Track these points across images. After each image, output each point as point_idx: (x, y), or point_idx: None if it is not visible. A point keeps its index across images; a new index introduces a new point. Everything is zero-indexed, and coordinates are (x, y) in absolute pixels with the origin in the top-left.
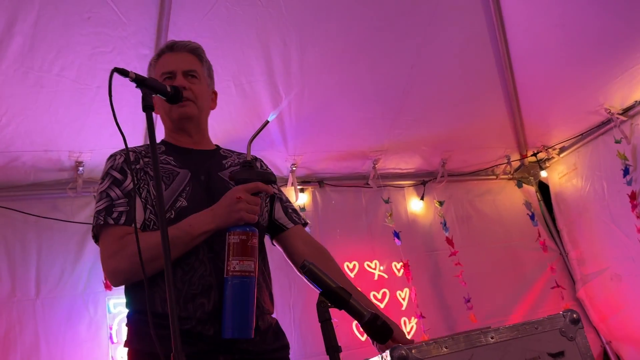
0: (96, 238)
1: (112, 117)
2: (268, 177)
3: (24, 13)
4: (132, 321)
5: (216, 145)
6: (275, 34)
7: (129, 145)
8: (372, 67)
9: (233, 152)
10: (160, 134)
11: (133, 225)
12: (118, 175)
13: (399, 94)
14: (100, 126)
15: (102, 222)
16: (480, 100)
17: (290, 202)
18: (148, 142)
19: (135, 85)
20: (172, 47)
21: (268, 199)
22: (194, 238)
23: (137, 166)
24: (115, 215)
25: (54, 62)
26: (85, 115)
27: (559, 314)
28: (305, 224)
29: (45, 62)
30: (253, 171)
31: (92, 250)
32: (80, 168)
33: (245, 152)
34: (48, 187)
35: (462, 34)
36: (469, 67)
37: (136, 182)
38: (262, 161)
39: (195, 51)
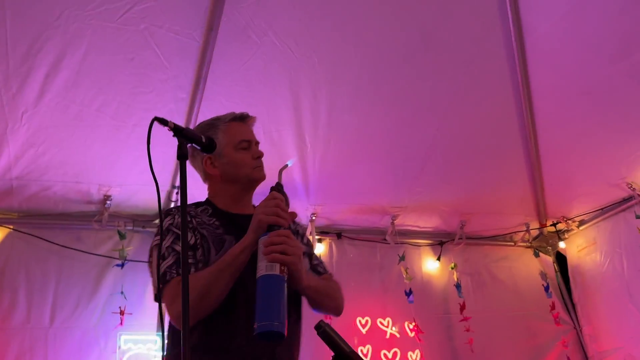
0: (157, 295)
1: (143, 155)
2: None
3: (73, 49)
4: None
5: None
6: (307, 87)
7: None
8: (399, 126)
9: None
10: (196, 191)
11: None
12: (179, 232)
13: (422, 154)
14: (132, 163)
15: (175, 275)
16: (502, 166)
17: (318, 259)
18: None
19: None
20: (243, 119)
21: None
22: (236, 256)
23: (191, 226)
24: None
25: (95, 98)
26: (119, 151)
27: None
28: (330, 275)
29: (87, 98)
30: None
31: (109, 284)
32: (108, 202)
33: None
34: (74, 218)
35: (488, 99)
36: (493, 131)
37: (195, 241)
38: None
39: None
